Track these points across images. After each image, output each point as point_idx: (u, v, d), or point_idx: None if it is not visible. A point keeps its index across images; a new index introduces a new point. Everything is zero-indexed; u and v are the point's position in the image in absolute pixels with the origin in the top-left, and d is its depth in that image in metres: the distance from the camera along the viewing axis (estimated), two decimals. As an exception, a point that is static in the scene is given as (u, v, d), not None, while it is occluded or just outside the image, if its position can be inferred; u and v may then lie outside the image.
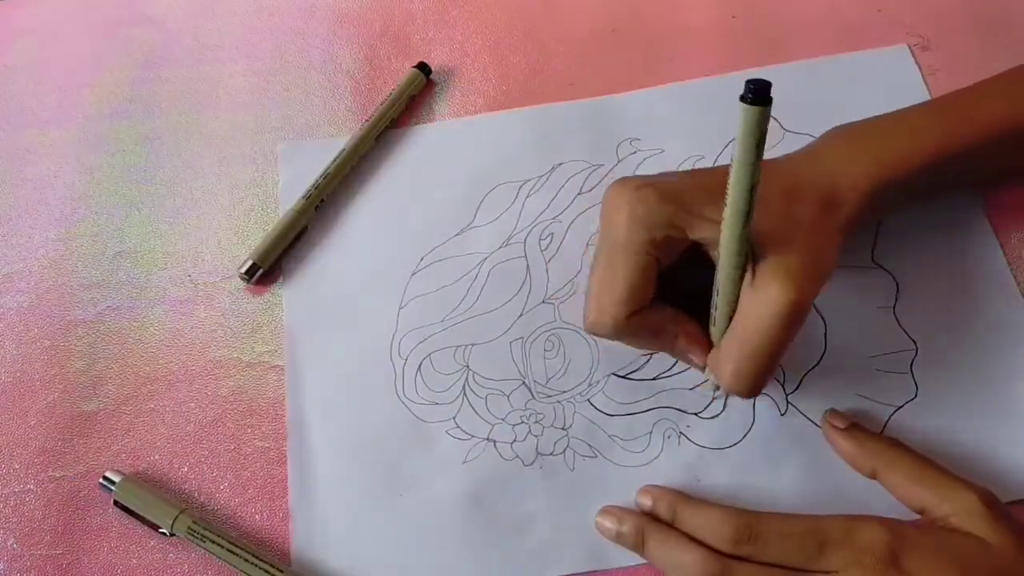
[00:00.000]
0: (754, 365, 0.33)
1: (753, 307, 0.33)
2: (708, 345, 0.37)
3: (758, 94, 0.28)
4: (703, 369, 0.37)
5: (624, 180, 0.36)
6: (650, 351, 0.41)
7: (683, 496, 0.37)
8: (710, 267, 0.35)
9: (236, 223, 0.48)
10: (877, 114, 0.40)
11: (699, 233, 0.34)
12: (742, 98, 0.28)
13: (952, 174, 0.39)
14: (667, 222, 0.34)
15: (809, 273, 0.33)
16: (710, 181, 0.34)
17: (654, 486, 0.38)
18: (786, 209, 0.35)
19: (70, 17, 0.56)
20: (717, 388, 0.39)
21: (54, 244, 0.48)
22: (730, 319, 0.35)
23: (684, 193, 0.35)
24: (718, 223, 0.32)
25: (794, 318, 0.32)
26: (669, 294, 0.37)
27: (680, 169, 0.46)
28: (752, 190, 0.30)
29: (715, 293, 0.35)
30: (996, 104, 0.38)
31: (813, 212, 0.35)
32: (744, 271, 0.33)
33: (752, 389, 0.34)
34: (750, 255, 0.33)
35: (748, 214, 0.31)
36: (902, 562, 0.32)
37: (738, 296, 0.34)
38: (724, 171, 0.31)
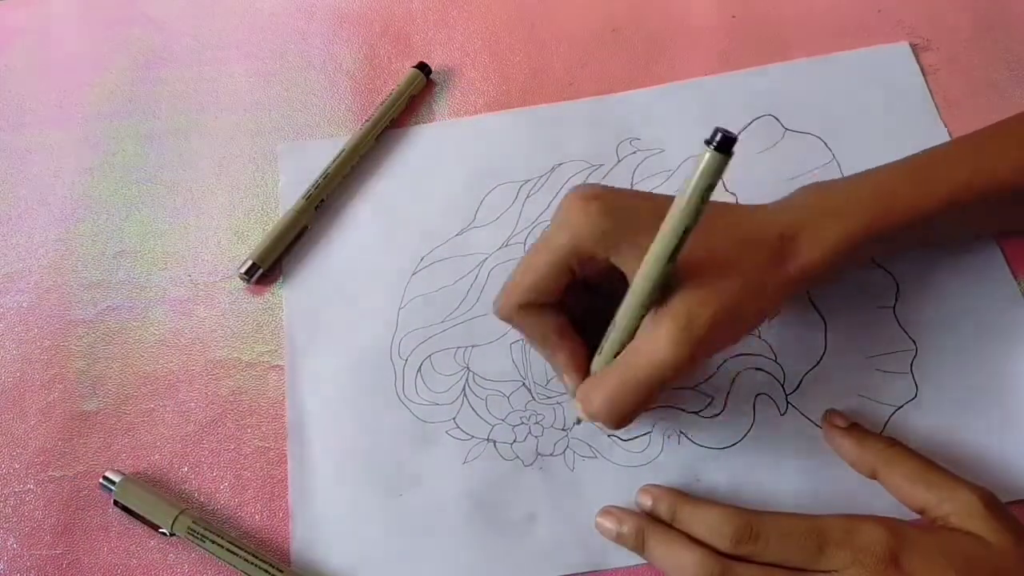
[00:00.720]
0: (627, 401, 0.33)
1: (643, 347, 0.33)
2: (585, 372, 0.37)
3: (723, 143, 0.27)
4: (572, 394, 0.37)
5: (584, 187, 0.36)
6: (536, 351, 0.41)
7: (683, 496, 0.37)
8: (618, 300, 0.34)
9: (236, 223, 0.48)
10: (876, 113, 0.40)
11: (621, 261, 0.34)
12: (707, 141, 0.28)
13: (923, 238, 0.39)
14: (596, 239, 0.34)
15: (713, 334, 0.32)
16: (662, 208, 0.32)
17: (654, 486, 0.38)
18: (735, 254, 0.34)
19: (70, 17, 0.56)
20: (579, 421, 0.39)
21: (54, 244, 0.48)
22: (616, 355, 0.34)
23: (628, 214, 0.34)
24: (642, 257, 0.32)
25: (679, 373, 0.33)
26: (579, 316, 0.37)
27: (679, 169, 0.46)
28: (685, 234, 0.30)
29: (611, 326, 0.34)
30: (968, 172, 0.37)
31: (763, 265, 0.35)
32: (647, 311, 0.33)
33: (620, 421, 0.34)
34: (660, 292, 0.32)
35: (672, 258, 0.30)
36: (902, 562, 0.32)
37: (631, 337, 0.34)
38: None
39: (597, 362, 0.36)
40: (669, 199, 0.30)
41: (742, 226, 0.36)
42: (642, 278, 0.32)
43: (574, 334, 0.37)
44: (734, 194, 0.45)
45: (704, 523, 0.35)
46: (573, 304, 0.37)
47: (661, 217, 0.30)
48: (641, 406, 0.34)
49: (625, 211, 0.34)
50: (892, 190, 0.37)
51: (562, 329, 0.36)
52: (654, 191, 0.46)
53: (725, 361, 0.41)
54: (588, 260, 0.34)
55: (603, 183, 0.46)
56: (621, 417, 0.34)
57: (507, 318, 0.37)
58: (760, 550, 0.34)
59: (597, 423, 0.36)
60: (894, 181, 0.38)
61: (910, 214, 0.37)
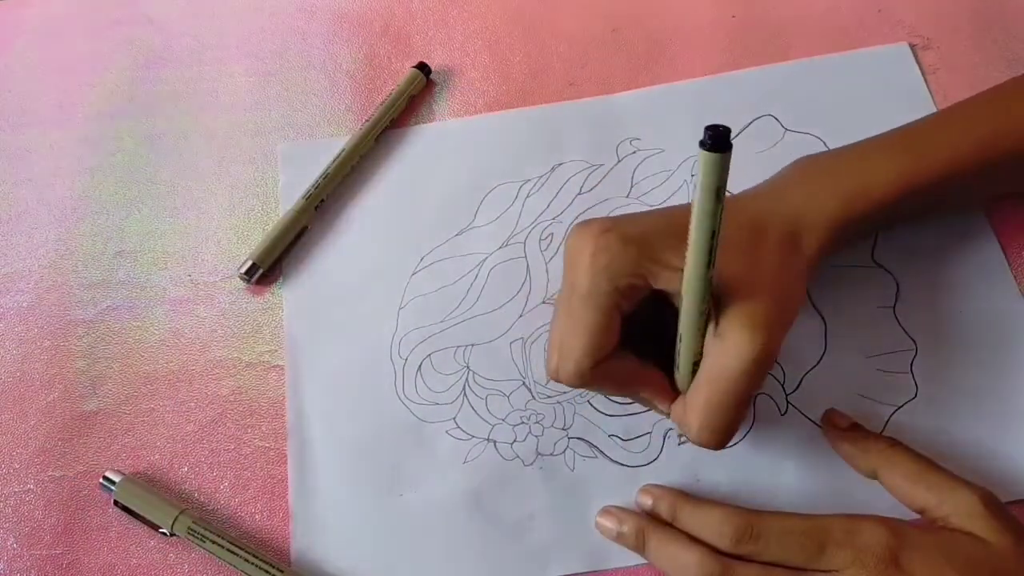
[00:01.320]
0: (723, 416, 0.33)
1: (719, 357, 0.32)
2: (673, 394, 0.36)
3: (717, 140, 0.27)
4: (668, 415, 0.37)
5: (587, 223, 0.35)
6: (614, 398, 0.41)
7: (683, 495, 0.37)
8: (673, 311, 0.34)
9: (236, 223, 0.48)
10: (877, 113, 0.40)
11: (662, 282, 0.33)
12: (701, 144, 0.27)
13: (919, 206, 0.39)
14: (630, 270, 0.33)
15: (774, 319, 0.32)
16: (676, 222, 0.32)
17: (654, 485, 0.38)
18: (750, 250, 0.34)
19: (70, 17, 0.56)
20: (681, 436, 0.39)
21: (54, 244, 0.48)
22: (694, 367, 0.34)
23: (648, 238, 0.34)
24: (681, 271, 0.31)
25: (762, 368, 0.32)
26: (633, 337, 0.36)
27: (679, 169, 0.46)
28: (713, 238, 0.29)
29: (678, 340, 0.34)
30: (959, 137, 0.38)
31: (778, 252, 0.35)
32: (707, 319, 0.33)
33: (722, 440, 0.34)
34: (712, 302, 0.32)
35: (709, 263, 0.30)
36: (902, 562, 0.32)
37: (702, 345, 0.34)
38: (689, 211, 0.30)
39: (680, 378, 0.36)
40: (674, 211, 0.30)
41: (745, 216, 0.36)
42: (688, 292, 0.32)
43: (646, 365, 0.36)
44: (731, 192, 0.44)
45: (705, 523, 0.35)
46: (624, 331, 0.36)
47: (673, 230, 0.30)
48: (739, 418, 0.33)
49: (641, 236, 0.34)
50: (885, 163, 0.37)
51: (636, 366, 0.36)
52: (654, 191, 0.46)
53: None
54: (630, 293, 0.34)
55: (604, 181, 0.47)
56: (723, 436, 0.34)
57: (582, 384, 0.35)
58: (761, 549, 0.34)
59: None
60: (886, 154, 0.38)
61: (905, 187, 0.37)
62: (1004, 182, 0.42)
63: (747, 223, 0.35)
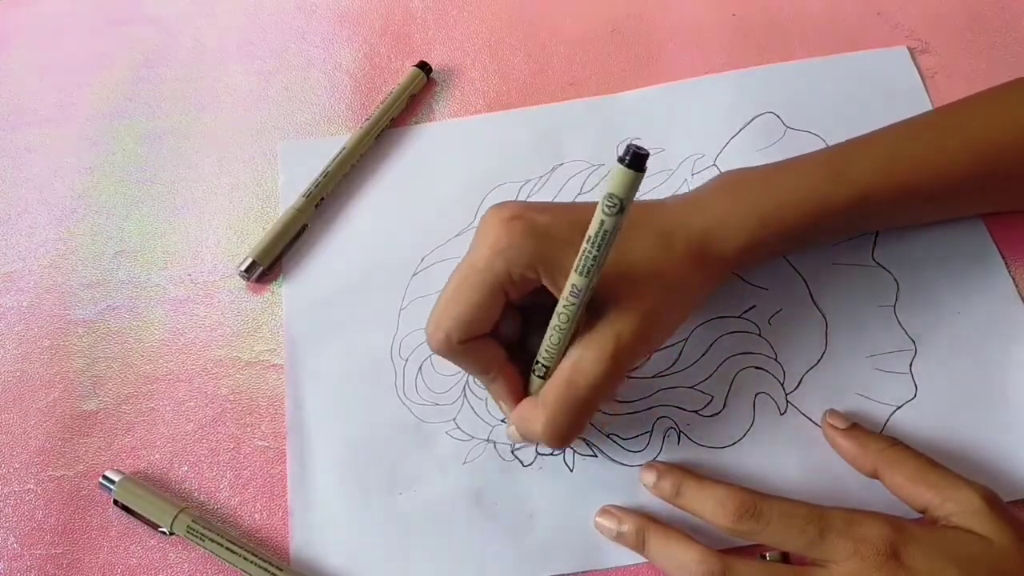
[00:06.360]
0: (568, 417, 0.34)
1: (578, 361, 0.34)
2: (521, 398, 0.37)
3: (636, 159, 0.28)
4: (508, 420, 0.38)
5: (502, 206, 0.35)
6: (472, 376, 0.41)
7: (688, 472, 0.37)
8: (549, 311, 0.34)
9: (236, 222, 0.48)
10: (876, 115, 0.40)
11: (552, 283, 0.34)
12: (620, 159, 0.28)
13: (843, 226, 0.40)
14: (526, 262, 0.34)
15: (642, 336, 0.34)
16: (580, 222, 0.32)
17: (659, 461, 0.39)
18: (651, 256, 0.35)
19: (70, 17, 0.56)
20: (514, 444, 0.40)
21: (54, 244, 0.48)
22: (547, 373, 0.35)
23: (553, 232, 0.34)
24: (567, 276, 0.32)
25: (615, 387, 0.34)
26: (525, 332, 0.37)
27: (680, 168, 0.46)
28: (603, 251, 0.30)
29: (544, 342, 0.35)
30: (877, 163, 0.38)
31: (681, 262, 0.36)
32: (574, 331, 0.34)
33: (564, 440, 0.35)
34: (584, 309, 0.33)
35: (591, 278, 0.31)
36: (903, 558, 0.32)
37: (560, 355, 0.34)
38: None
39: (534, 383, 0.37)
40: (587, 209, 0.31)
41: (657, 223, 0.36)
42: (565, 300, 0.32)
43: (510, 363, 0.37)
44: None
45: (708, 499, 0.35)
46: (504, 325, 0.37)
47: (580, 231, 0.31)
48: (582, 426, 0.35)
49: (547, 231, 0.34)
50: (804, 184, 0.38)
51: (501, 361, 0.36)
52: (654, 190, 0.46)
53: (725, 360, 0.41)
54: (520, 283, 0.34)
55: (605, 181, 0.47)
56: (564, 438, 0.35)
57: (447, 355, 0.36)
58: (761, 528, 0.34)
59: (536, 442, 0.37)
60: (807, 174, 0.38)
61: (822, 208, 0.37)
62: (941, 208, 0.42)
63: (656, 231, 0.36)
